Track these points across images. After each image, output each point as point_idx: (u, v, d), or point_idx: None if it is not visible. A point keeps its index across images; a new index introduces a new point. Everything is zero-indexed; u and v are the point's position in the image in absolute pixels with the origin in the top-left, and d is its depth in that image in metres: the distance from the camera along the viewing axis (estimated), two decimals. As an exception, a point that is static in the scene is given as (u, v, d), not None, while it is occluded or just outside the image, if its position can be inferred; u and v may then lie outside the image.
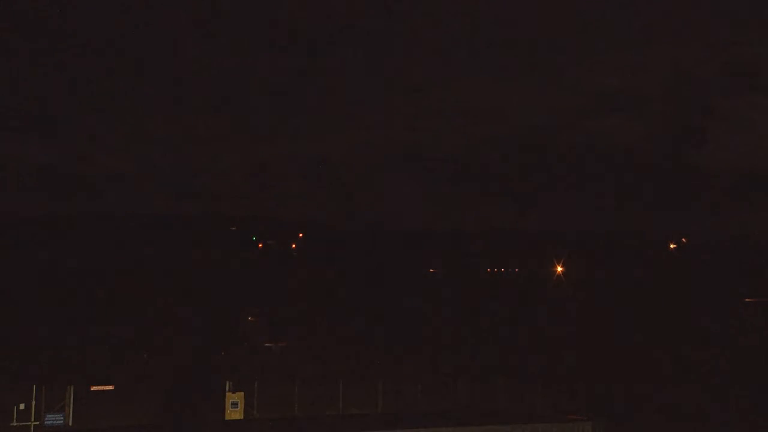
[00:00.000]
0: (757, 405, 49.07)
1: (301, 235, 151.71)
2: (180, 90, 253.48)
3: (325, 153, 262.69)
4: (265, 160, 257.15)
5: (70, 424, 39.54)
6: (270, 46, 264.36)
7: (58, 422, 39.10)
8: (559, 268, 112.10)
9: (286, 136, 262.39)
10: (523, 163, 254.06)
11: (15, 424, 38.16)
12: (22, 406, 38.43)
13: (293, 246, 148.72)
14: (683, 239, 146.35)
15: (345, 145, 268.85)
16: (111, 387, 42.81)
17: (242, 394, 42.44)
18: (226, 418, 41.74)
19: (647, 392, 51.94)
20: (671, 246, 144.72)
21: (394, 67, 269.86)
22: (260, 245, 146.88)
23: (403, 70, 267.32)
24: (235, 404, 42.03)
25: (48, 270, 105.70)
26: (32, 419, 38.45)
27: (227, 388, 42.43)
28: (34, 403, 38.58)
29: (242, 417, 42.02)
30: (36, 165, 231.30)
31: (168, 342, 69.32)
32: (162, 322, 79.38)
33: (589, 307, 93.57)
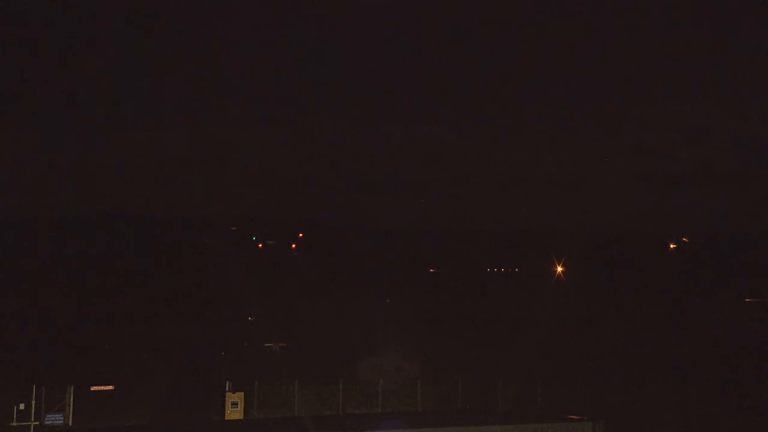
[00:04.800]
0: (756, 405, 49.07)
1: (301, 235, 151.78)
2: (180, 91, 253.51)
3: (326, 152, 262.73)
4: (265, 160, 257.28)
5: (70, 424, 39.53)
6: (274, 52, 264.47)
7: (58, 422, 39.08)
8: (559, 268, 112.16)
9: (287, 135, 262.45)
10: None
11: (15, 424, 38.14)
12: (22, 406, 38.40)
13: (293, 246, 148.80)
14: (683, 239, 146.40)
15: (346, 144, 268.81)
16: (111, 387, 42.78)
17: (242, 394, 42.42)
18: (226, 418, 41.74)
19: (647, 392, 51.93)
20: (671, 246, 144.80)
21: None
22: (260, 245, 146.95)
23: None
24: (235, 404, 42.02)
25: (48, 270, 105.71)
26: (32, 419, 38.43)
27: (227, 388, 42.43)
28: (34, 403, 38.55)
29: (242, 417, 42.03)
30: (35, 164, 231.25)
31: (168, 342, 69.28)
32: (162, 322, 79.38)
33: (588, 307, 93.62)
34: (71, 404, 39.73)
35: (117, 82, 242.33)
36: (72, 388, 40.00)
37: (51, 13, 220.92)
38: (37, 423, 38.53)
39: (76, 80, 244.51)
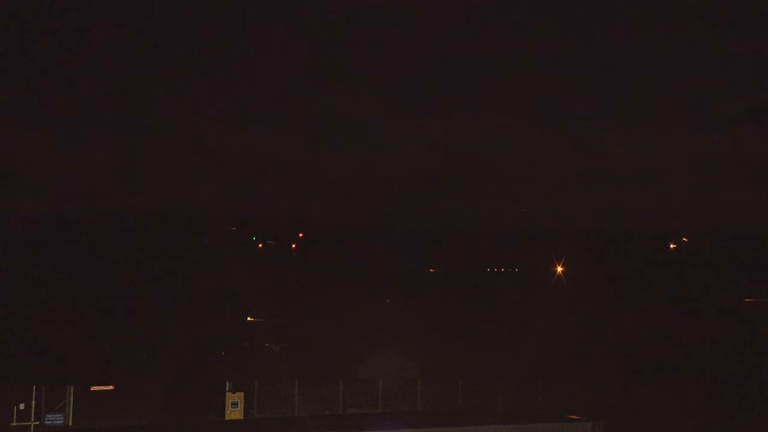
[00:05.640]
0: (756, 405, 49.10)
1: (301, 235, 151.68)
2: (178, 88, 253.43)
3: (324, 152, 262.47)
4: (266, 160, 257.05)
5: (70, 424, 39.57)
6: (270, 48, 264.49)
7: (58, 422, 39.15)
8: (559, 268, 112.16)
9: (286, 135, 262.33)
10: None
11: (15, 424, 38.19)
12: (22, 406, 38.49)
13: (293, 246, 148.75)
14: (683, 239, 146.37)
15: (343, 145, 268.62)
16: (111, 387, 42.83)
17: (242, 394, 42.51)
18: (226, 418, 41.80)
19: (647, 392, 51.98)
20: (671, 246, 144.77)
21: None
22: (260, 245, 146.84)
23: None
24: (235, 404, 42.09)
25: (48, 270, 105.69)
26: (32, 419, 38.48)
27: (227, 388, 42.48)
28: (34, 403, 38.62)
29: (242, 417, 42.08)
30: (35, 164, 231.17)
31: (168, 342, 69.31)
32: (162, 322, 79.38)
33: (589, 307, 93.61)
34: (71, 404, 39.79)
35: (116, 81, 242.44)
36: (72, 388, 40.04)
37: (50, 12, 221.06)
38: (37, 423, 38.60)
39: (76, 78, 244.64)
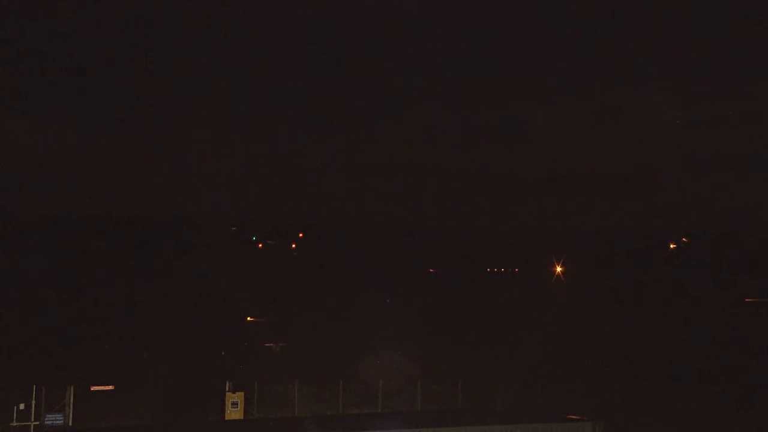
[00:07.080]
0: (756, 405, 49.10)
1: (301, 235, 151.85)
2: (180, 87, 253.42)
3: (324, 151, 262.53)
4: (266, 160, 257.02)
5: (70, 424, 39.59)
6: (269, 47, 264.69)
7: (58, 422, 39.15)
8: (559, 268, 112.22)
9: (286, 135, 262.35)
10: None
11: (15, 424, 38.19)
12: (22, 406, 38.48)
13: (293, 246, 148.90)
14: (683, 239, 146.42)
15: (342, 144, 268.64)
16: (111, 387, 42.83)
17: (242, 394, 42.53)
18: (226, 418, 41.82)
19: (647, 392, 51.97)
20: (671, 246, 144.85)
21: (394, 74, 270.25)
22: (260, 245, 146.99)
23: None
24: (235, 404, 42.11)
25: (48, 270, 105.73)
26: (32, 419, 38.49)
27: (227, 388, 42.51)
28: (34, 403, 38.62)
29: (242, 417, 42.10)
30: (35, 164, 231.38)
31: (168, 342, 69.31)
32: (162, 322, 79.38)
33: (588, 307, 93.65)
34: (71, 404, 39.79)
35: (115, 81, 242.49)
36: (72, 388, 40.06)
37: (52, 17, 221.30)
38: (37, 423, 38.59)
39: (75, 78, 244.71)
